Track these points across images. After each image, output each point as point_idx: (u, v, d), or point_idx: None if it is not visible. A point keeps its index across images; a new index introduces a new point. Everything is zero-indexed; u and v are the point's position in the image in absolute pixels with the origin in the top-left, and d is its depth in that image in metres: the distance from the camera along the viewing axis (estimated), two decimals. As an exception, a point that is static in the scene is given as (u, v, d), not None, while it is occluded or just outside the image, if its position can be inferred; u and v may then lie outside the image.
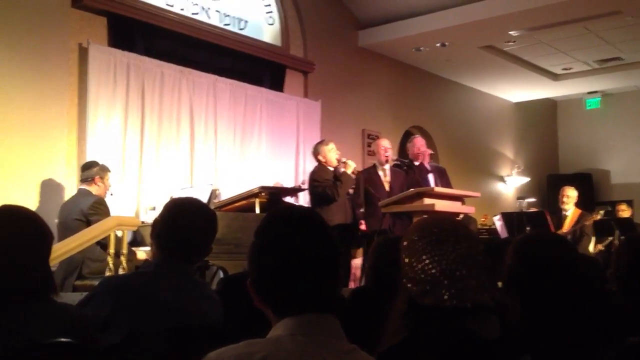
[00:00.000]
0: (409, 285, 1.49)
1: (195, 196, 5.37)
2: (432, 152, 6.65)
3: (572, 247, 2.03)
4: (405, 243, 1.54)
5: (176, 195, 5.79)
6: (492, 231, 8.44)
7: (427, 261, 1.47)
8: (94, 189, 5.20)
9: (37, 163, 5.64)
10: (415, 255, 1.49)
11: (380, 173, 6.42)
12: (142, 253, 5.11)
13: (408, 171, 6.27)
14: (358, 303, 2.58)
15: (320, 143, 6.33)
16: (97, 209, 4.98)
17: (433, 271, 1.45)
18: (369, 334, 2.11)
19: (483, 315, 1.43)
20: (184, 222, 2.21)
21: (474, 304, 1.43)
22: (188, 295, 2.17)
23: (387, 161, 6.41)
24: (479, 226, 8.66)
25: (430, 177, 6.36)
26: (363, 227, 6.02)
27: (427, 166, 6.57)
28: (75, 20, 6.06)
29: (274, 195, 5.88)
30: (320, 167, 6.19)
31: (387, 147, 6.47)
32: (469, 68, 10.16)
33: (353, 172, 6.05)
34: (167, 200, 6.09)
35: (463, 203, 5.79)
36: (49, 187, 5.70)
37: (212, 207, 5.30)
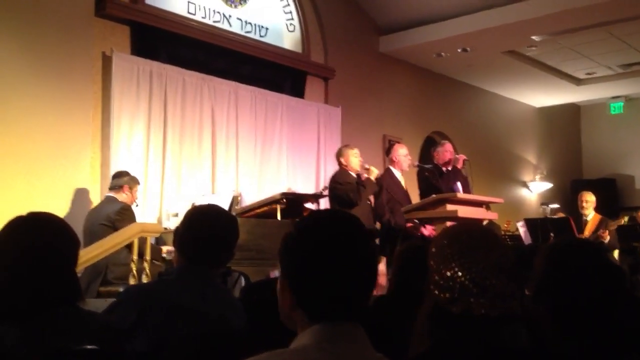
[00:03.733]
0: (435, 292, 1.47)
1: (217, 203, 5.41)
2: (467, 159, 6.50)
3: (604, 254, 1.99)
4: (433, 249, 1.53)
5: (198, 202, 5.83)
6: (516, 237, 8.35)
7: (456, 268, 1.45)
8: (121, 197, 5.26)
9: (62, 170, 5.70)
10: (444, 262, 1.47)
11: (398, 177, 6.40)
12: (167, 247, 5.16)
13: (441, 176, 6.23)
14: (382, 311, 2.56)
15: (345, 146, 6.32)
16: (124, 215, 5.05)
17: (462, 279, 1.44)
18: (393, 342, 2.09)
19: (512, 325, 1.40)
20: (206, 229, 2.22)
21: (503, 313, 1.41)
22: (211, 302, 2.18)
23: (409, 167, 6.41)
24: (502, 232, 8.59)
25: (459, 184, 6.31)
26: (427, 232, 5.89)
27: (462, 172, 6.48)
28: (99, 29, 6.13)
29: (295, 201, 5.89)
30: (342, 171, 6.18)
31: (407, 154, 6.47)
32: (490, 73, 10.10)
33: (376, 179, 6.04)
34: (189, 206, 6.15)
35: (488, 209, 5.74)
36: (74, 195, 5.76)
37: (233, 213, 5.33)
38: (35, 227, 1.75)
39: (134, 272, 4.55)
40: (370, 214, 6.12)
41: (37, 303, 1.66)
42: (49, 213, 1.84)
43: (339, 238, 1.28)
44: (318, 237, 1.28)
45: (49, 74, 5.70)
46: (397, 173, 6.43)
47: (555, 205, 10.17)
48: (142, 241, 4.65)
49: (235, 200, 5.44)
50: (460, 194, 5.59)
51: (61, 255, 1.73)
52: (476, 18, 8.19)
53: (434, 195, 5.34)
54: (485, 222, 5.84)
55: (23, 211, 5.09)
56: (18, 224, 1.75)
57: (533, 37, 8.62)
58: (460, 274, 1.44)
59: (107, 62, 6.11)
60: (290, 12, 7.93)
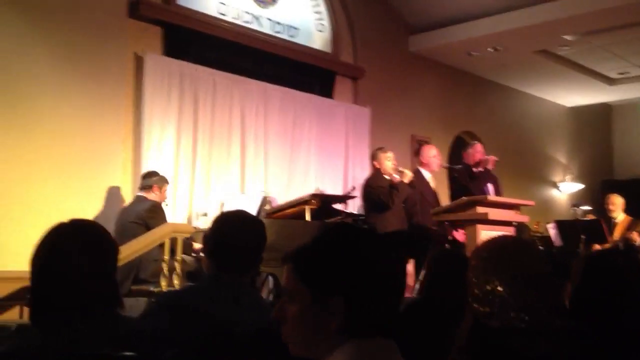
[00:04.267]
0: (475, 305, 1.46)
1: (246, 203, 5.46)
2: (497, 160, 6.44)
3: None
4: (473, 263, 1.52)
5: (227, 202, 5.88)
6: (545, 238, 8.27)
7: (496, 282, 1.44)
8: (150, 197, 5.34)
9: (95, 170, 5.79)
10: (483, 276, 1.47)
11: (427, 178, 6.38)
12: (198, 244, 5.21)
13: (471, 177, 6.19)
14: (413, 317, 2.56)
15: (379, 149, 6.31)
16: (155, 212, 5.13)
17: (502, 293, 1.43)
18: (423, 350, 2.09)
19: (553, 339, 1.40)
20: (234, 235, 2.23)
21: (543, 327, 1.40)
22: (243, 307, 2.19)
23: (438, 168, 6.39)
24: (532, 233, 8.50)
25: (490, 185, 6.26)
26: (459, 236, 5.88)
27: (493, 173, 6.42)
28: (131, 30, 6.19)
29: (323, 202, 5.90)
30: (376, 174, 6.18)
31: (436, 154, 6.45)
32: (521, 72, 9.99)
33: (410, 182, 6.02)
34: (218, 206, 6.21)
35: (518, 210, 5.69)
36: (106, 194, 5.84)
37: (263, 214, 5.36)
38: (77, 233, 1.78)
39: (165, 271, 4.61)
40: (404, 217, 6.10)
41: (77, 308, 1.69)
42: (89, 220, 1.88)
43: (392, 253, 1.27)
44: (378, 252, 1.27)
45: (83, 75, 5.78)
46: (427, 174, 6.41)
47: (586, 207, 10.02)
48: (173, 241, 4.71)
49: (264, 201, 5.47)
50: (491, 197, 5.55)
51: (101, 262, 1.76)
52: (507, 17, 8.11)
53: (464, 198, 5.30)
54: (515, 223, 5.76)
55: (57, 210, 5.23)
56: (60, 230, 1.77)
57: (565, 37, 8.50)
58: (500, 288, 1.43)
59: (139, 63, 6.18)
60: (320, 12, 7.94)
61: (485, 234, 5.03)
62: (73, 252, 1.72)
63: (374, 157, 6.28)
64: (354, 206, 7.38)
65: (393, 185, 5.94)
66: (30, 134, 5.42)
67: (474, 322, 1.46)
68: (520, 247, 1.51)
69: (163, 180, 5.50)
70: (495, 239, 1.61)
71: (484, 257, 1.49)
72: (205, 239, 2.30)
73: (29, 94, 5.45)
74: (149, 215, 5.05)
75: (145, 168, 5.86)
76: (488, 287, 1.44)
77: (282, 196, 7.00)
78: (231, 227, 2.26)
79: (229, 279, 2.20)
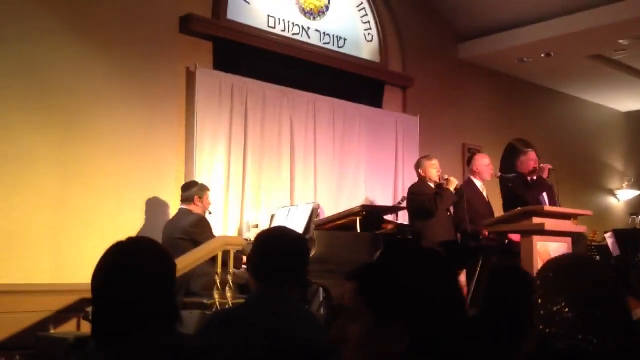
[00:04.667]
0: (540, 327, 1.41)
1: (297, 215, 5.46)
2: (553, 168, 6.29)
3: None
4: (538, 282, 1.47)
5: (278, 214, 5.90)
6: (602, 248, 8.04)
7: (563, 304, 1.39)
8: (193, 209, 5.39)
9: (148, 183, 5.88)
10: (549, 296, 1.42)
11: (480, 187, 6.27)
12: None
13: (525, 186, 6.06)
14: (471, 334, 2.49)
15: (424, 158, 6.27)
16: (201, 227, 5.16)
17: (569, 314, 1.37)
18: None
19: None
20: (275, 252, 2.25)
21: (613, 348, 1.34)
22: (290, 322, 2.18)
23: (491, 177, 6.29)
24: (588, 242, 8.27)
25: (545, 195, 6.11)
26: (514, 237, 5.77)
27: (548, 181, 6.27)
28: (183, 45, 6.30)
29: (374, 213, 5.87)
30: (420, 182, 6.13)
31: (489, 164, 6.35)
32: (575, 78, 9.77)
33: (455, 189, 5.94)
34: (269, 217, 6.23)
35: (576, 220, 5.54)
36: (160, 206, 5.92)
37: (313, 225, 5.35)
38: (135, 252, 1.80)
39: (218, 284, 4.64)
40: (451, 226, 6.02)
41: (137, 326, 1.70)
42: (146, 238, 1.89)
43: (452, 275, 1.27)
44: (441, 275, 1.26)
45: (137, 90, 5.90)
46: (479, 183, 6.31)
47: (646, 216, 9.69)
48: (225, 254, 4.74)
49: (314, 212, 5.46)
50: (547, 207, 5.42)
51: (160, 279, 1.78)
52: (560, 22, 7.94)
53: (519, 208, 5.19)
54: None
55: (113, 224, 5.33)
56: (118, 249, 1.80)
57: (620, 41, 8.28)
58: (567, 308, 1.38)
59: (190, 77, 6.27)
60: (369, 22, 7.92)
61: (542, 245, 4.92)
62: (132, 271, 1.75)
63: (418, 165, 6.22)
64: (405, 217, 7.31)
65: (437, 193, 5.87)
66: (86, 149, 5.55)
67: (539, 344, 1.41)
68: (587, 266, 1.45)
69: (203, 189, 5.52)
70: (561, 258, 1.55)
71: (550, 277, 1.44)
72: (248, 258, 2.32)
73: (85, 109, 5.59)
74: (194, 230, 5.09)
75: (198, 181, 5.91)
76: (554, 308, 1.39)
77: (332, 207, 6.98)
78: (272, 244, 2.30)
79: (274, 295, 2.20)
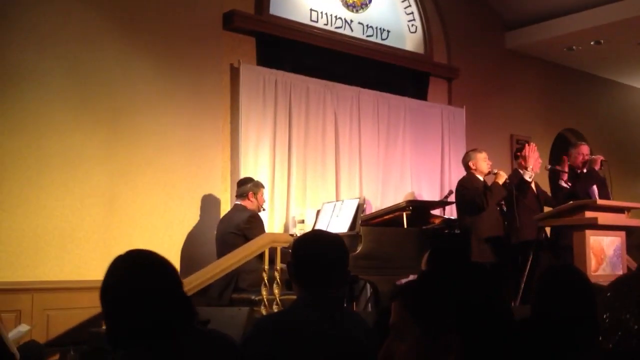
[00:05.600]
0: (601, 338, 1.36)
1: (343, 210, 5.43)
2: (605, 159, 6.11)
3: None
4: (608, 294, 1.41)
5: (324, 209, 5.88)
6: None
7: (627, 315, 1.33)
8: (247, 204, 5.42)
9: (195, 180, 5.94)
10: (614, 311, 1.36)
11: (528, 179, 6.13)
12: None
13: (575, 179, 5.91)
14: (522, 336, 2.42)
15: (473, 150, 6.15)
16: (253, 223, 5.21)
17: (634, 326, 1.31)
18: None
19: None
20: (312, 257, 2.24)
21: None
22: (340, 325, 2.16)
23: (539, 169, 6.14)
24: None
25: (594, 188, 5.94)
26: None
27: (600, 174, 6.10)
28: (226, 42, 6.32)
29: (420, 208, 5.80)
30: (470, 176, 6.02)
31: (538, 155, 6.20)
32: (626, 65, 9.48)
33: (505, 183, 5.83)
34: (314, 213, 6.22)
35: (628, 212, 5.38)
36: (207, 203, 5.98)
37: (359, 221, 5.33)
38: (130, 261, 1.87)
39: (266, 280, 4.66)
40: (500, 221, 5.90)
41: (154, 330, 1.78)
42: (141, 249, 1.94)
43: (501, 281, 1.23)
44: (489, 284, 1.24)
45: (182, 87, 5.96)
46: (527, 177, 6.16)
47: None
48: (273, 250, 4.75)
49: (360, 208, 5.43)
50: (600, 200, 5.27)
51: (161, 281, 1.84)
52: (611, 9, 7.71)
53: (571, 202, 5.05)
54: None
55: (161, 219, 5.42)
56: (116, 263, 1.87)
57: (674, 26, 7.99)
58: (632, 322, 1.31)
59: (234, 73, 6.29)
60: (412, 13, 7.82)
61: (595, 239, 4.79)
62: (130, 279, 1.82)
63: (468, 158, 6.09)
64: (452, 210, 7.22)
65: (487, 187, 5.77)
66: (133, 145, 5.63)
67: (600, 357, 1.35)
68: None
69: (258, 186, 5.56)
70: (622, 276, 1.49)
71: (623, 290, 1.38)
72: (288, 266, 2.32)
73: (132, 106, 5.67)
74: (247, 226, 5.13)
75: (243, 176, 5.94)
76: (620, 318, 1.33)
77: (378, 201, 6.94)
78: (307, 249, 2.28)
79: (317, 299, 2.19)
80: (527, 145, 6.24)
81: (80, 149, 5.36)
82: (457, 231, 5.99)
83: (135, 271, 1.84)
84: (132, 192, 5.58)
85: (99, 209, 5.41)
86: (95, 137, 5.45)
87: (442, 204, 6.56)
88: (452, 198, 6.50)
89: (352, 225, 5.24)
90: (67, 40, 5.38)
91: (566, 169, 6.18)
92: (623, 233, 5.17)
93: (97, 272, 5.40)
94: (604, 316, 1.38)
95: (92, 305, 5.13)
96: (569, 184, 5.92)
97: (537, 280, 2.57)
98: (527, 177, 5.82)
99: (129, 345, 1.77)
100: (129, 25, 5.72)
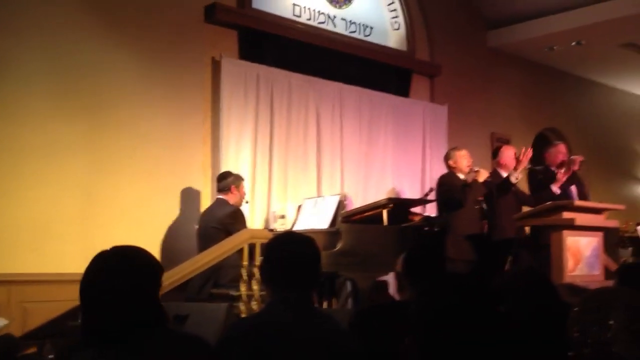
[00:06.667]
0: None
1: (323, 206, 5.44)
2: (584, 160, 6.15)
3: None
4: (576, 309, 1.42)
5: (305, 205, 5.88)
6: (634, 239, 7.93)
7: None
8: (230, 198, 5.41)
9: (176, 173, 5.91)
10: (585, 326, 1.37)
11: (514, 181, 6.15)
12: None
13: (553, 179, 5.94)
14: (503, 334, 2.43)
15: (454, 149, 6.19)
16: (235, 218, 5.20)
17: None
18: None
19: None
20: (285, 259, 2.24)
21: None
22: (313, 326, 2.16)
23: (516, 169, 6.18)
24: (620, 233, 8.15)
25: (573, 188, 5.99)
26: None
27: (578, 174, 6.14)
28: (208, 35, 6.28)
29: (401, 205, 5.82)
30: (449, 173, 6.06)
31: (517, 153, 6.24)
32: (607, 66, 9.58)
33: (485, 181, 5.86)
34: (295, 208, 6.22)
35: (606, 213, 5.44)
36: (187, 196, 5.95)
37: (339, 217, 5.33)
38: (117, 260, 1.86)
39: (245, 276, 4.66)
40: (479, 219, 5.93)
41: (122, 329, 1.77)
42: (131, 246, 1.93)
43: None
44: None
45: (163, 79, 5.91)
46: (505, 176, 6.20)
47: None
48: (252, 247, 4.74)
49: (341, 204, 5.44)
50: (578, 201, 5.32)
51: (142, 284, 1.83)
52: (592, 10, 7.78)
53: (549, 202, 5.10)
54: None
55: (142, 212, 5.39)
56: (101, 258, 1.86)
57: (654, 29, 8.09)
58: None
59: (216, 67, 6.26)
60: (395, 10, 7.82)
61: (572, 240, 4.84)
62: (113, 277, 1.81)
63: (448, 156, 6.13)
64: (432, 208, 7.25)
65: (466, 184, 5.81)
66: (114, 137, 5.58)
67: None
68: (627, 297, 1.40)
69: (238, 179, 5.55)
70: (603, 290, 1.51)
71: (591, 306, 1.40)
72: (260, 269, 2.33)
73: (112, 98, 5.61)
74: (229, 221, 5.13)
75: (223, 170, 5.92)
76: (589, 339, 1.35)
77: (359, 197, 6.95)
78: (280, 250, 2.28)
79: (289, 300, 2.18)
80: (503, 146, 6.28)
81: (60, 140, 5.30)
82: (436, 229, 6.01)
83: (116, 270, 1.82)
84: (111, 185, 5.53)
85: (77, 201, 5.36)
86: (75, 129, 5.39)
87: (423, 201, 6.58)
88: (433, 196, 6.52)
89: (333, 222, 5.25)
90: (48, 30, 5.31)
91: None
92: (601, 234, 5.22)
93: (75, 264, 5.37)
94: (574, 329, 1.40)
95: (69, 299, 5.07)
96: (560, 190, 5.89)
97: (504, 283, 2.59)
98: (513, 180, 5.84)
99: (99, 343, 1.76)
100: (110, 16, 5.66)
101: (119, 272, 1.81)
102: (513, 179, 5.84)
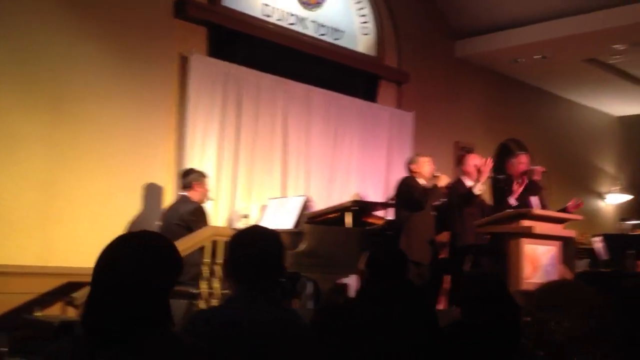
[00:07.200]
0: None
1: (287, 206, 5.43)
2: (545, 170, 6.26)
3: None
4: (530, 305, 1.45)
5: (269, 205, 5.87)
6: (590, 251, 8.09)
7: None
8: (193, 195, 5.37)
9: (139, 169, 5.84)
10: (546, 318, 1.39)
11: (477, 193, 6.23)
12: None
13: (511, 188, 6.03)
14: (455, 338, 2.47)
15: (417, 154, 6.23)
16: (197, 215, 5.16)
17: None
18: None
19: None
20: (249, 253, 2.23)
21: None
22: (276, 320, 2.16)
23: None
24: (576, 245, 8.31)
25: (533, 197, 6.09)
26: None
27: (539, 184, 6.24)
28: (177, 31, 6.23)
29: (364, 208, 5.85)
30: (411, 177, 6.08)
31: (479, 163, 6.32)
32: (569, 81, 9.81)
33: (446, 187, 5.91)
34: (259, 208, 6.21)
35: (564, 224, 5.55)
36: (150, 192, 5.89)
37: (304, 218, 5.33)
38: (142, 247, 1.68)
39: (205, 274, 4.62)
40: (433, 225, 5.93)
41: (130, 326, 1.61)
42: (159, 235, 1.79)
43: None
44: None
45: (129, 74, 5.84)
46: (469, 183, 6.28)
47: (636, 221, 9.75)
48: (214, 244, 4.71)
49: (305, 205, 5.44)
50: (538, 210, 5.42)
51: (161, 280, 1.66)
52: (556, 25, 7.95)
53: (509, 210, 5.18)
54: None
55: (102, 208, 5.32)
56: (126, 241, 1.69)
57: (616, 46, 8.30)
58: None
59: (184, 63, 6.21)
60: (366, 15, 7.88)
61: (530, 248, 4.93)
62: (133, 266, 1.63)
63: (411, 161, 6.14)
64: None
65: (427, 188, 5.85)
66: (76, 130, 5.50)
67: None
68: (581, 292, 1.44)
69: (201, 176, 5.51)
70: (557, 286, 1.54)
71: (543, 296, 1.43)
72: (223, 264, 2.30)
73: (77, 91, 5.53)
74: (191, 218, 5.08)
75: (188, 167, 5.87)
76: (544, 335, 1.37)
77: (323, 200, 6.96)
78: (245, 244, 2.26)
79: (252, 294, 2.17)
80: (467, 154, 6.35)
81: (18, 130, 5.19)
82: (389, 232, 6.04)
83: (136, 259, 1.63)
84: (72, 178, 5.44)
85: (37, 193, 5.25)
86: (36, 120, 5.29)
87: (387, 205, 6.62)
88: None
89: (297, 222, 5.25)
90: (13, 20, 5.20)
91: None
92: (559, 243, 5.31)
93: (32, 257, 5.29)
94: (528, 319, 1.43)
95: (25, 291, 5.01)
96: (518, 202, 5.98)
97: (460, 286, 2.62)
98: (476, 191, 5.89)
99: (96, 341, 1.59)
100: (78, 8, 5.57)
101: (139, 262, 1.62)
102: (476, 191, 5.88)
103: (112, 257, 1.64)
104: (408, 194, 5.82)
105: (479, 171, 5.90)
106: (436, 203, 5.94)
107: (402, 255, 2.93)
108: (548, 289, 1.47)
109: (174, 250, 1.73)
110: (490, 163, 5.89)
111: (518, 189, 5.93)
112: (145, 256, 1.64)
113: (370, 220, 6.08)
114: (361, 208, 5.71)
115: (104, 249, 1.66)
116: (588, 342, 1.35)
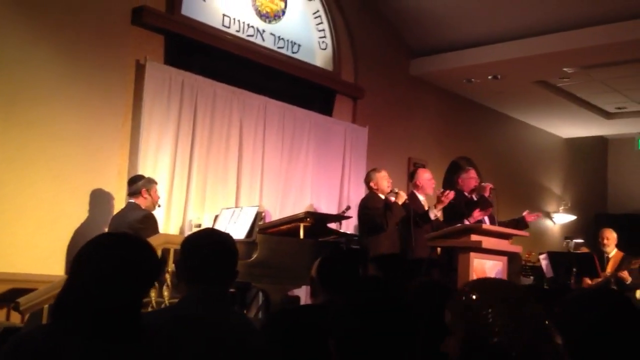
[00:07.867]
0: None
1: (241, 217, 5.41)
2: (493, 187, 6.41)
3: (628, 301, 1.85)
4: (465, 307, 1.47)
5: (222, 215, 5.84)
6: (536, 269, 8.28)
7: (500, 333, 1.38)
8: (142, 202, 5.31)
9: (89, 175, 5.74)
10: (481, 324, 1.41)
11: (422, 201, 6.34)
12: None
13: (465, 204, 6.14)
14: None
15: (373, 170, 6.31)
16: (146, 223, 5.09)
17: (506, 344, 1.37)
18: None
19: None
20: (202, 254, 2.23)
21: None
22: (226, 322, 2.16)
23: (433, 191, 6.38)
24: (523, 262, 8.51)
25: (486, 218, 6.22)
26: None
27: (489, 201, 6.37)
28: (134, 37, 6.17)
29: (318, 221, 5.88)
30: (372, 195, 6.16)
31: (431, 178, 6.44)
32: (520, 101, 10.06)
33: (403, 204, 6.00)
34: (212, 218, 6.16)
35: (511, 239, 5.68)
36: (100, 198, 5.79)
37: (256, 229, 5.32)
38: (126, 249, 1.78)
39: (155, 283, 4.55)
40: (397, 239, 6.04)
41: (110, 319, 1.69)
42: (146, 242, 1.87)
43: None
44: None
45: (83, 79, 5.75)
46: (421, 197, 6.39)
47: (579, 240, 10.04)
48: (165, 252, 4.66)
49: (259, 216, 5.43)
50: (486, 225, 5.54)
51: (135, 288, 1.76)
52: (509, 47, 8.16)
53: (459, 225, 5.28)
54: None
55: (50, 213, 5.18)
56: (109, 241, 1.80)
57: (565, 69, 8.57)
58: (505, 339, 1.37)
59: (140, 70, 6.15)
60: (323, 30, 7.96)
61: (478, 262, 5.02)
62: (112, 268, 1.72)
63: (369, 178, 6.25)
64: (348, 225, 7.36)
65: (388, 207, 5.92)
66: (25, 133, 5.37)
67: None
68: (523, 292, 1.48)
69: (151, 182, 5.45)
70: (489, 280, 1.58)
71: (479, 301, 1.48)
72: (175, 266, 2.30)
73: (28, 95, 5.41)
74: (140, 226, 5.01)
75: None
76: (493, 340, 1.40)
77: (277, 211, 6.97)
78: (198, 245, 2.26)
79: (204, 295, 2.17)
80: (419, 168, 6.45)
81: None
82: (355, 247, 6.10)
83: (124, 256, 1.74)
84: (18, 181, 5.31)
85: (-18, 197, 5.12)
86: (-19, 120, 5.16)
87: (340, 218, 6.67)
88: (350, 213, 6.63)
89: (250, 233, 5.23)
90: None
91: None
92: (505, 258, 5.44)
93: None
94: (469, 314, 1.45)
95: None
96: (460, 207, 6.13)
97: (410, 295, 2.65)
98: (432, 216, 5.98)
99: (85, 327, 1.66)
100: (32, 10, 5.47)
101: (123, 259, 1.73)
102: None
103: (93, 251, 1.74)
104: (368, 217, 5.90)
105: (438, 198, 5.97)
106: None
107: (356, 255, 2.95)
108: (482, 286, 1.52)
109: (153, 252, 1.82)
110: (451, 195, 5.97)
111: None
112: (128, 254, 1.75)
113: (327, 233, 6.12)
114: (316, 221, 5.73)
115: (85, 243, 1.75)
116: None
